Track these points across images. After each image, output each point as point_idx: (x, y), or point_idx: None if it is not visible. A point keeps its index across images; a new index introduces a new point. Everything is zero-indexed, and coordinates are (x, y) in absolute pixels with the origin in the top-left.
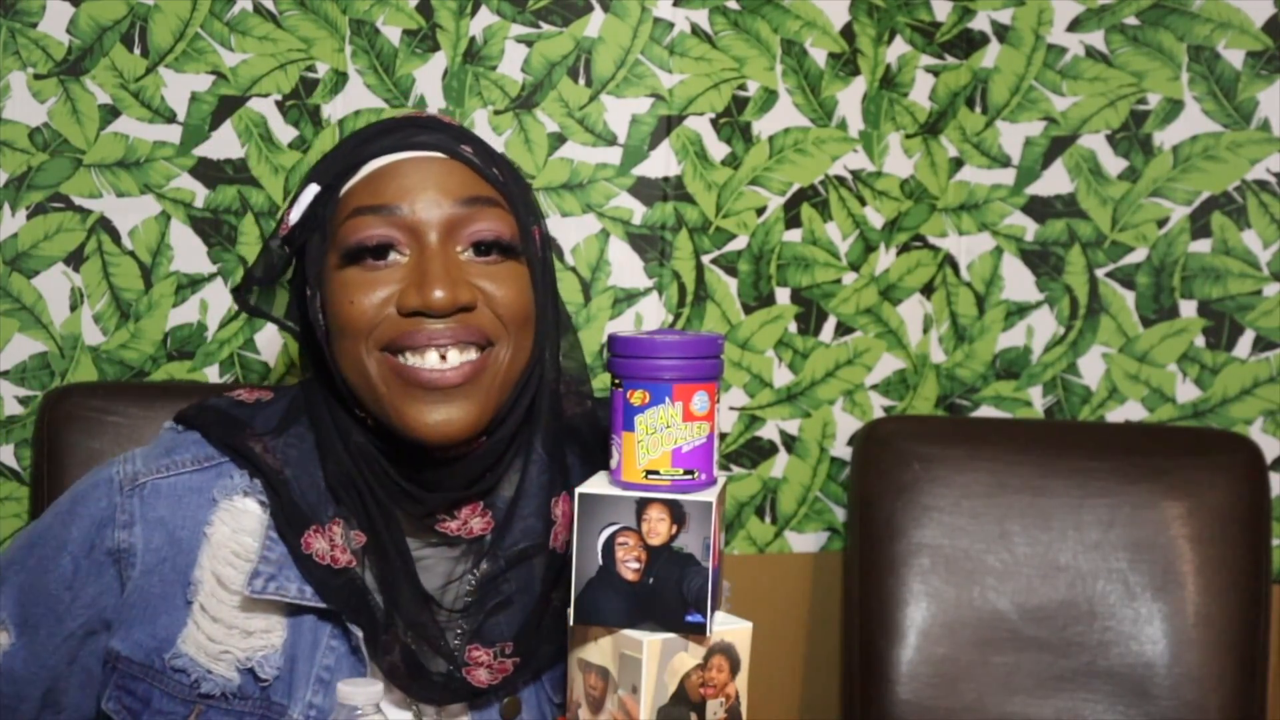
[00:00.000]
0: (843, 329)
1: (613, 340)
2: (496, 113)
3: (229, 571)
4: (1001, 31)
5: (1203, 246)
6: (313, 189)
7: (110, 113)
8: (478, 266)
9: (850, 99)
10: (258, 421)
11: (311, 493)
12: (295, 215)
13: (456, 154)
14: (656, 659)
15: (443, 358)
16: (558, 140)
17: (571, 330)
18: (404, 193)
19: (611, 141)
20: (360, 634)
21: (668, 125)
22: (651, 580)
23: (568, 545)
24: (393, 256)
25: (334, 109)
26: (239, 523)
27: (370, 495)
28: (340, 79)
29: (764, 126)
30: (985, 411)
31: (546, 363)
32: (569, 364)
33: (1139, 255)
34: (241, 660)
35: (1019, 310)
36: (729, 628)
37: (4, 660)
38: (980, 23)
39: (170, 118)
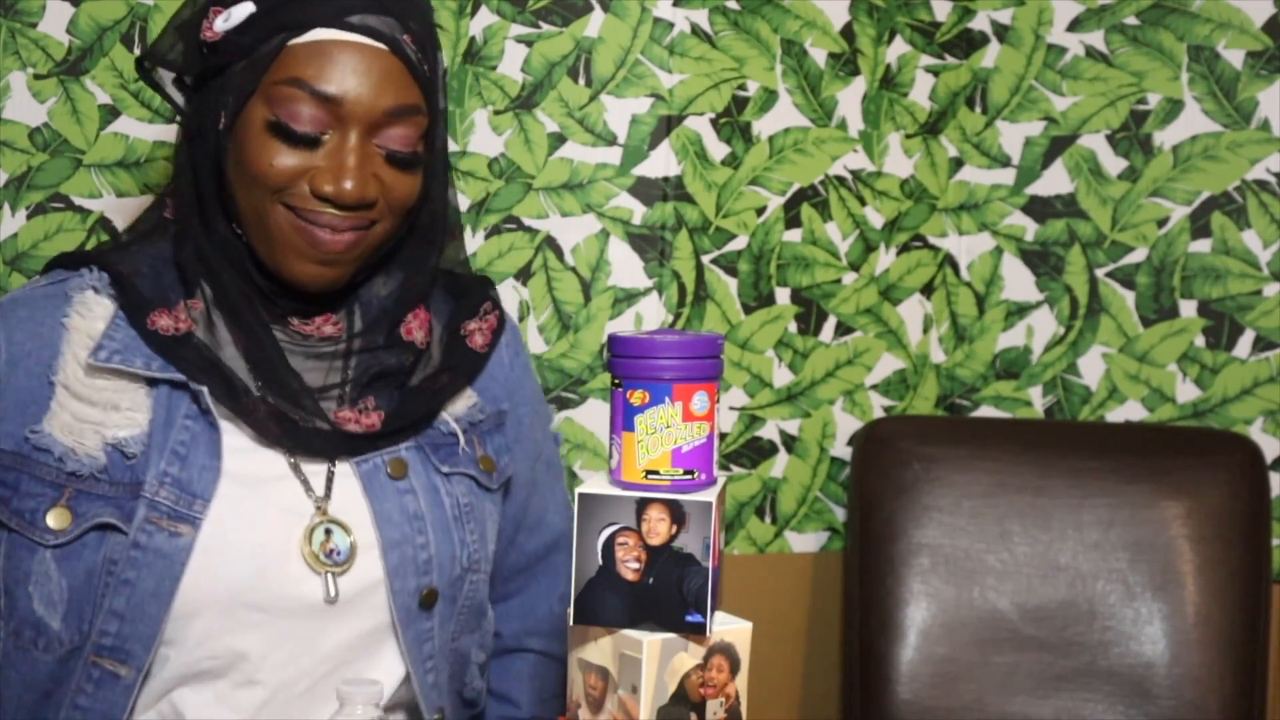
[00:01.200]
0: (843, 329)
1: (612, 340)
2: (496, 113)
3: (83, 353)
4: (1001, 31)
5: (1203, 246)
6: (248, 8)
7: (110, 113)
8: (385, 166)
9: (850, 99)
10: (109, 250)
11: (161, 285)
12: (222, 25)
13: (399, 48)
14: (656, 659)
15: (334, 231)
16: (558, 140)
17: (442, 177)
18: (344, 85)
19: (611, 141)
20: (206, 391)
21: (668, 125)
22: (651, 580)
23: (425, 342)
24: (319, 137)
25: None
26: (92, 312)
27: (233, 283)
28: None
29: (764, 126)
30: (985, 411)
31: (422, 220)
32: (448, 209)
33: (1139, 255)
34: (108, 438)
35: (1019, 310)
36: (729, 628)
37: None
38: (980, 23)
39: (171, 118)
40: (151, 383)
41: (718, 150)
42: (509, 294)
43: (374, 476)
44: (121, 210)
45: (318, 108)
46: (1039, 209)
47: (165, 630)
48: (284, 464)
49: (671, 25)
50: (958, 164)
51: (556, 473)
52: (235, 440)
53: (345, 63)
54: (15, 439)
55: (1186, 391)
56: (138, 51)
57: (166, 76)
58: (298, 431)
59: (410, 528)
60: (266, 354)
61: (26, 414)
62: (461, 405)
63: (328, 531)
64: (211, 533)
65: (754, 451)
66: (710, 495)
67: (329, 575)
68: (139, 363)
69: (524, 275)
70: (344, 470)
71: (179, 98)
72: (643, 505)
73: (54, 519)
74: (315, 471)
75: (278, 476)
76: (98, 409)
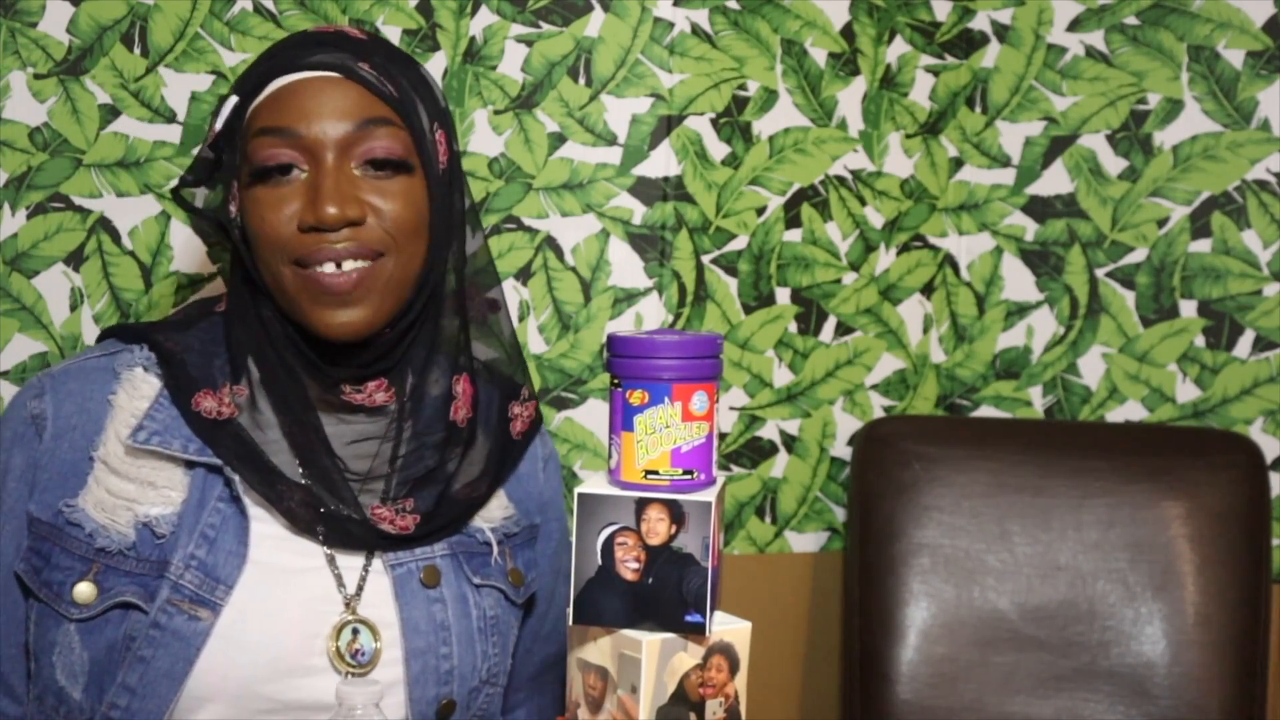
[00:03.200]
0: (843, 329)
1: (612, 340)
2: (496, 112)
3: (125, 431)
4: (1001, 31)
5: (1203, 246)
6: (232, 101)
7: (110, 112)
8: (370, 182)
9: (850, 99)
10: (164, 325)
11: (210, 367)
12: (219, 124)
13: (353, 73)
14: (656, 659)
15: (338, 266)
16: (558, 140)
17: (479, 232)
18: (301, 115)
19: (611, 141)
20: (238, 479)
21: (668, 125)
22: (651, 580)
23: (469, 421)
24: (294, 174)
25: None
26: (139, 390)
27: (279, 362)
28: None
29: (764, 126)
30: (985, 411)
31: (447, 263)
32: (474, 265)
33: (1139, 255)
34: (140, 515)
35: (1019, 310)
36: (728, 627)
37: None
38: (980, 22)
39: (170, 118)
40: (190, 464)
41: (718, 150)
42: (509, 294)
43: (406, 582)
44: (121, 210)
45: (284, 144)
46: (1039, 209)
47: (175, 711)
48: (320, 556)
49: (672, 25)
50: (958, 164)
51: (564, 583)
52: (268, 529)
53: (300, 96)
54: (52, 510)
55: (1186, 391)
56: (138, 52)
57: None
58: (330, 520)
59: (436, 637)
60: (309, 439)
61: (65, 487)
62: (497, 513)
63: (355, 631)
64: (231, 620)
65: (754, 451)
66: (709, 495)
67: (348, 675)
68: (177, 445)
69: (524, 275)
70: (377, 568)
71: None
72: (642, 505)
73: (80, 593)
74: (349, 566)
75: (310, 568)
76: (134, 485)
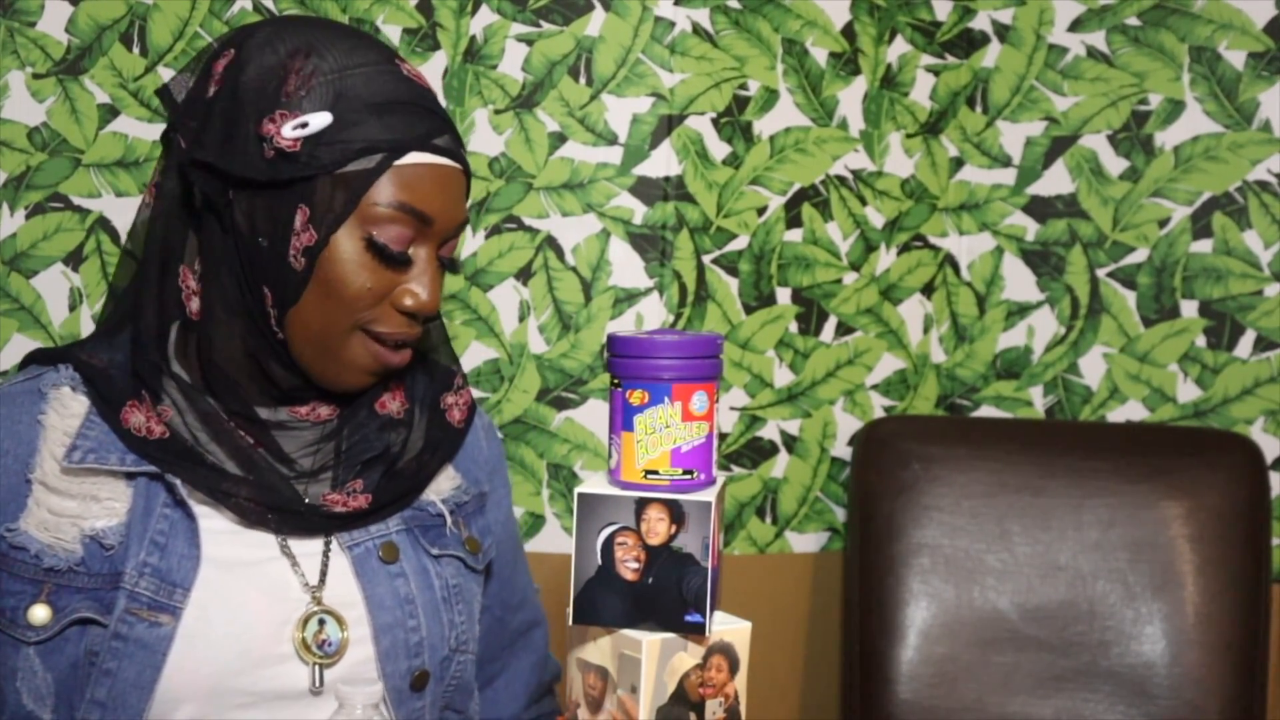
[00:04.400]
0: (843, 329)
1: (612, 340)
2: (497, 112)
3: (60, 451)
4: (1002, 31)
5: (1204, 247)
6: (325, 118)
7: (109, 112)
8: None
9: (851, 98)
10: (86, 342)
11: (135, 378)
12: (297, 133)
13: (464, 167)
14: (656, 659)
15: (400, 346)
16: (558, 140)
17: None
18: (438, 209)
19: (612, 141)
20: (179, 483)
21: (668, 125)
22: (651, 580)
23: (404, 410)
24: (410, 258)
25: None
26: (68, 409)
27: (226, 380)
28: None
29: (765, 126)
30: (986, 411)
31: None
32: None
33: (1140, 255)
34: (86, 530)
35: (1020, 310)
36: (728, 627)
37: None
38: (981, 22)
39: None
40: (130, 475)
41: (719, 150)
42: (509, 294)
43: (365, 561)
44: (120, 210)
45: (411, 228)
46: (1040, 209)
47: (149, 715)
48: (274, 544)
49: (672, 24)
50: (958, 164)
51: (522, 551)
52: (217, 524)
53: (437, 184)
54: None
55: (1187, 391)
56: (137, 51)
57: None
58: (287, 516)
59: (402, 611)
60: (240, 444)
61: (5, 512)
62: (446, 485)
63: (321, 622)
64: (193, 620)
65: (754, 451)
66: (709, 495)
67: (316, 666)
68: (114, 459)
69: (524, 275)
70: (335, 552)
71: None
72: (642, 505)
73: (35, 616)
74: (307, 554)
75: (266, 559)
76: (75, 501)
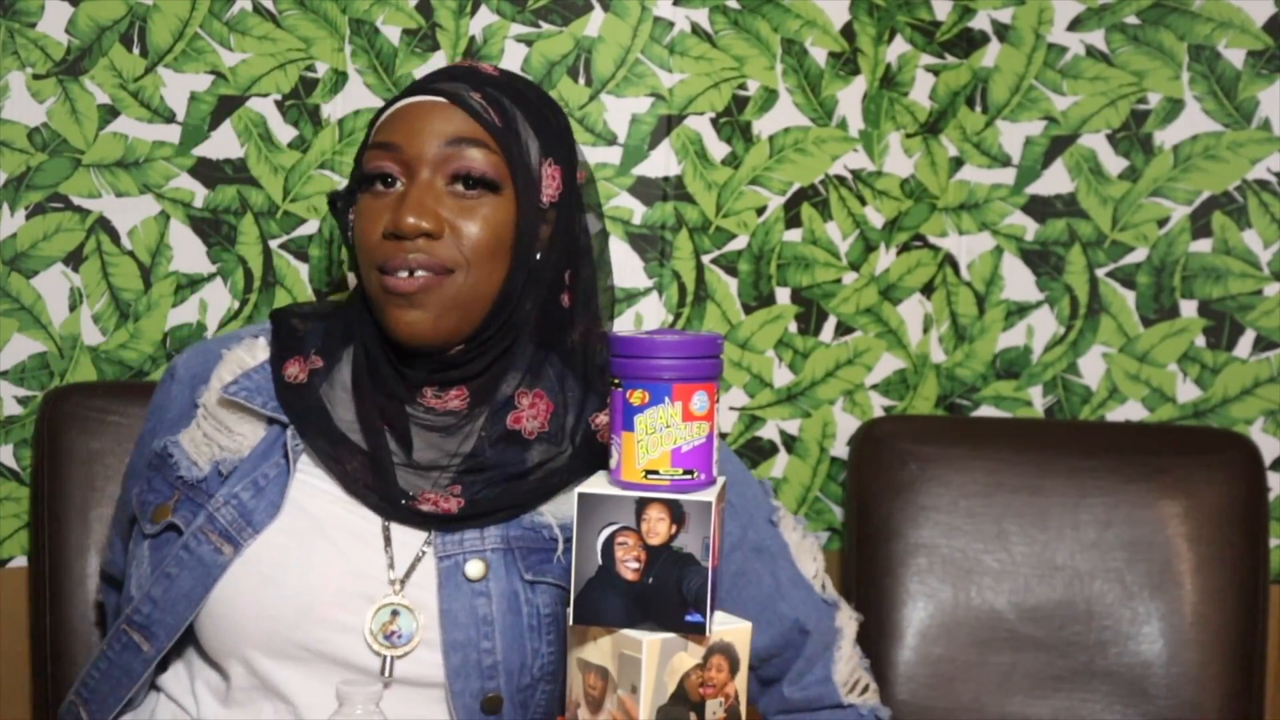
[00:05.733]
0: (843, 329)
1: (612, 340)
2: None
3: (225, 381)
4: (1002, 31)
5: (1203, 246)
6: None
7: (109, 113)
8: (456, 200)
9: (850, 98)
10: (306, 309)
11: (309, 343)
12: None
13: (459, 99)
14: (656, 659)
15: (410, 274)
16: None
17: (588, 266)
18: (407, 132)
19: (611, 141)
20: (292, 432)
21: (668, 125)
22: (651, 580)
23: (538, 433)
24: (396, 185)
25: (334, 108)
26: (250, 353)
27: (365, 355)
28: (340, 78)
29: (764, 126)
30: (986, 411)
31: (527, 292)
32: (595, 301)
33: (1139, 255)
34: (216, 455)
35: (1019, 310)
36: (728, 627)
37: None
38: (980, 22)
39: (169, 118)
40: (270, 421)
41: (718, 150)
42: None
43: (452, 574)
44: (120, 210)
45: (387, 157)
46: (1039, 209)
47: (191, 627)
48: (378, 524)
49: (672, 24)
50: (958, 163)
51: (773, 554)
52: (327, 486)
53: (410, 116)
54: (162, 444)
55: (1187, 391)
56: (137, 52)
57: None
58: (383, 495)
59: (477, 631)
60: (372, 419)
61: (176, 426)
62: (570, 506)
63: (395, 613)
64: (263, 559)
65: (754, 451)
66: (710, 495)
67: (389, 658)
68: (259, 400)
69: None
70: (429, 556)
71: None
72: (642, 505)
73: (156, 514)
74: (404, 546)
75: (363, 533)
76: (220, 429)
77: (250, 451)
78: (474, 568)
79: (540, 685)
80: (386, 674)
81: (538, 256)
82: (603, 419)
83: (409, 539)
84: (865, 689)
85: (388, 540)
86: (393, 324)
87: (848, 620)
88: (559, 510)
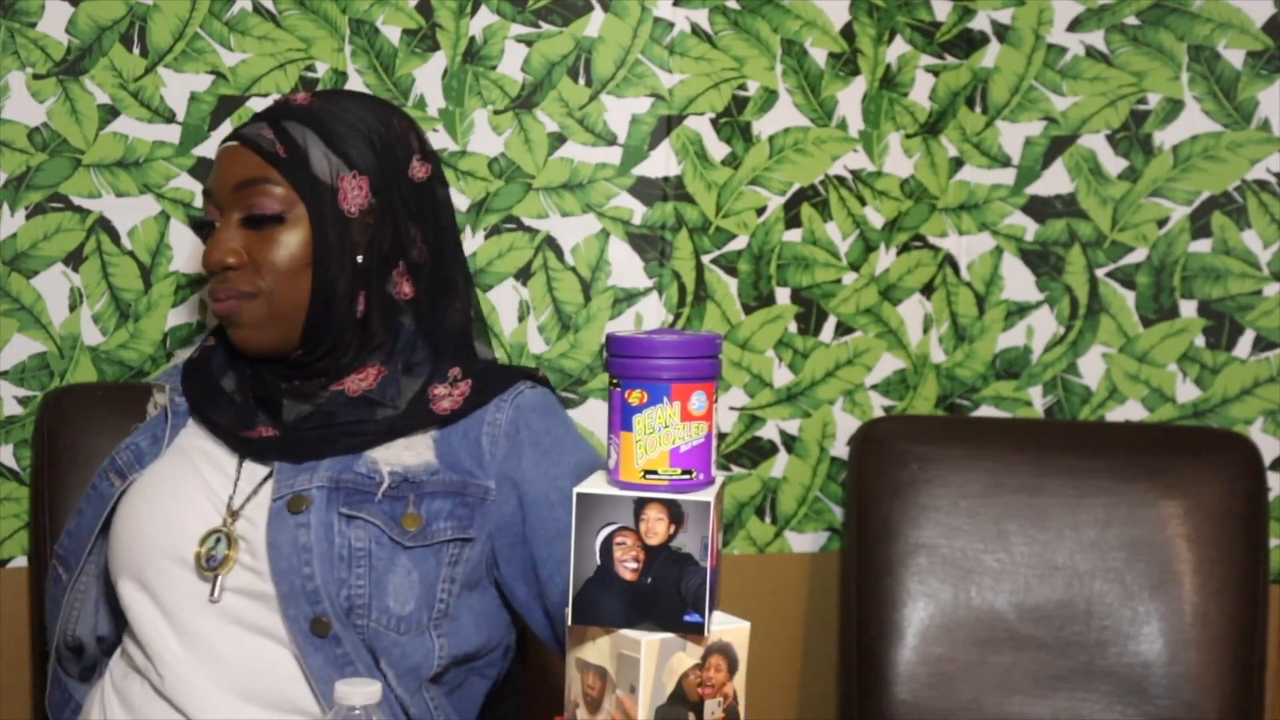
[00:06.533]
0: (843, 329)
1: (610, 340)
2: (496, 112)
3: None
4: (1001, 31)
5: (1203, 246)
6: None
7: (109, 113)
8: (252, 233)
9: (850, 99)
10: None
11: (215, 333)
12: None
13: (248, 140)
14: (654, 659)
15: (226, 300)
16: (558, 140)
17: (430, 251)
18: (214, 179)
19: (611, 141)
20: (170, 390)
21: (668, 125)
22: (649, 580)
23: (361, 391)
24: (216, 225)
25: None
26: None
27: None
28: (340, 78)
29: (764, 126)
30: (985, 411)
31: (356, 290)
32: (447, 275)
33: (1139, 255)
34: (146, 421)
35: (1019, 310)
36: (727, 627)
37: None
38: (980, 22)
39: (170, 118)
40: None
41: (718, 150)
42: (509, 294)
43: (279, 510)
44: (121, 210)
45: (208, 203)
46: (1039, 209)
47: (96, 550)
48: (232, 468)
49: (672, 25)
50: (958, 164)
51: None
52: (201, 440)
53: (218, 163)
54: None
55: (1187, 391)
56: (137, 52)
57: None
58: (230, 425)
59: (298, 559)
60: (252, 389)
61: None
62: (411, 459)
63: (218, 540)
64: (144, 490)
65: (754, 451)
66: (708, 495)
67: (216, 577)
68: (163, 378)
69: (524, 275)
70: (265, 491)
71: None
72: (641, 505)
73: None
74: (249, 479)
75: (218, 475)
76: (151, 403)
77: (158, 413)
78: (297, 501)
79: (354, 614)
80: (214, 594)
81: (359, 259)
82: (441, 390)
83: (258, 474)
84: None
85: (238, 472)
86: (231, 338)
87: None
88: (393, 457)
